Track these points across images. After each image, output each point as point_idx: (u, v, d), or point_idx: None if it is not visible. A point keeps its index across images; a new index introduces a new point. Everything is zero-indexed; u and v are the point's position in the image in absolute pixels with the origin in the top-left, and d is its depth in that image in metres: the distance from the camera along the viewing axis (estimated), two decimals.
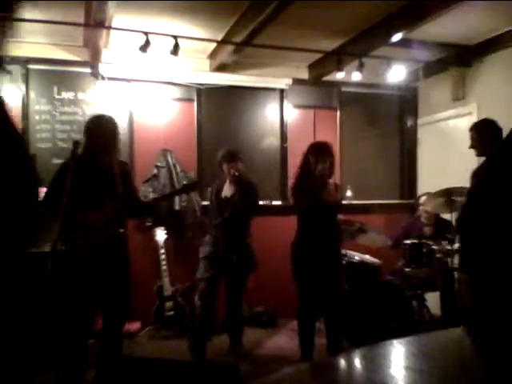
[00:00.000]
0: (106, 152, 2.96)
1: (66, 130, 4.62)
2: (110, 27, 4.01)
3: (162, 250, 4.53)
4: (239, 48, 4.43)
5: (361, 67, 4.54)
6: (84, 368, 2.90)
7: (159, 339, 4.41)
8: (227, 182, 3.91)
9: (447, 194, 3.94)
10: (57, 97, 4.62)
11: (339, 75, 4.60)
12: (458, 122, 5.11)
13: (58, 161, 4.30)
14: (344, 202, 3.99)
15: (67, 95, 4.65)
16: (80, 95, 4.69)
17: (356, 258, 4.30)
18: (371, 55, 4.54)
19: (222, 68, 4.95)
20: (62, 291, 2.73)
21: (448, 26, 4.19)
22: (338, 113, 5.60)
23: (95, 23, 3.85)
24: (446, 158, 5.23)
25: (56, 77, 4.60)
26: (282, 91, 5.38)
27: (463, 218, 1.21)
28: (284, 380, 1.14)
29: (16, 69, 4.45)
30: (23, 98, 4.51)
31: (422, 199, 4.58)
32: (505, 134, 1.52)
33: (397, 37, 4.12)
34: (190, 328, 4.05)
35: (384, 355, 1.26)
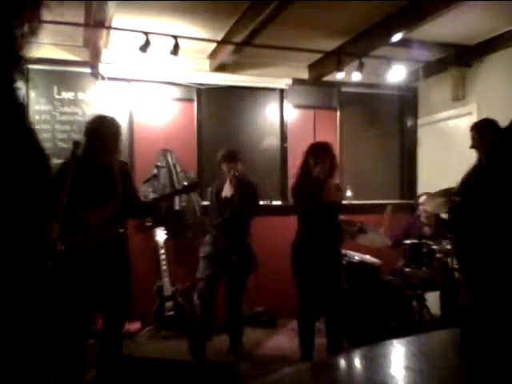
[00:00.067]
0: (108, 153, 2.96)
1: (65, 130, 4.62)
2: (110, 27, 4.01)
3: (162, 250, 4.53)
4: (239, 48, 4.43)
5: (361, 67, 4.54)
6: (84, 368, 2.90)
7: (159, 339, 4.40)
8: (227, 182, 3.91)
9: (447, 194, 3.94)
10: (57, 97, 4.62)
11: (339, 75, 4.60)
12: (458, 122, 5.11)
13: (57, 161, 4.28)
14: (344, 202, 3.98)
15: (67, 95, 4.65)
16: (80, 95, 4.69)
17: (356, 257, 4.30)
18: (371, 55, 4.54)
19: (222, 68, 4.95)
20: (61, 291, 2.73)
21: (448, 26, 4.19)
22: (338, 113, 5.60)
23: (95, 23, 3.85)
24: (445, 158, 5.23)
25: (56, 77, 4.60)
26: (281, 91, 5.38)
27: (456, 212, 1.19)
28: (284, 380, 1.14)
29: None
30: (23, 98, 4.50)
31: (422, 199, 4.58)
32: None
33: (397, 37, 4.12)
34: (190, 328, 4.05)
35: (384, 355, 1.26)
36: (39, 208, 0.74)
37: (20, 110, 0.75)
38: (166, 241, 4.59)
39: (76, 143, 2.64)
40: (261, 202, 4.18)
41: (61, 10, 3.56)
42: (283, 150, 5.39)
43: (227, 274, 3.89)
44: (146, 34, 3.89)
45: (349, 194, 5.28)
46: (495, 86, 4.63)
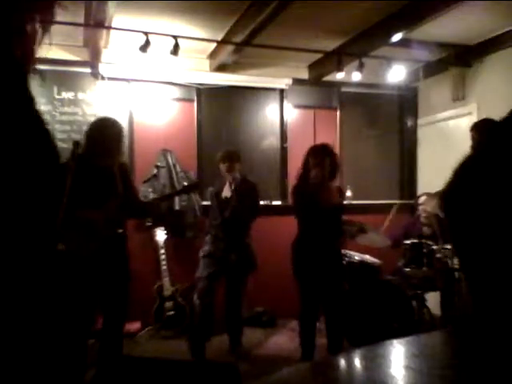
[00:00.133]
0: (110, 155, 2.97)
1: (65, 131, 4.62)
2: (110, 27, 4.01)
3: (162, 250, 4.53)
4: (239, 48, 4.44)
5: (361, 67, 4.54)
6: (84, 368, 2.90)
7: (159, 339, 4.40)
8: (227, 182, 3.92)
9: None
10: (57, 97, 4.62)
11: (339, 75, 4.60)
12: (458, 122, 5.11)
13: None
14: (344, 202, 3.98)
15: (67, 95, 4.65)
16: (80, 95, 4.69)
17: (356, 257, 4.30)
18: (371, 55, 4.54)
19: (222, 68, 4.95)
20: (61, 291, 2.73)
21: (448, 26, 4.19)
22: (338, 113, 5.60)
23: (95, 23, 3.85)
24: (446, 158, 5.22)
25: (56, 77, 4.60)
26: (281, 91, 5.38)
27: (451, 192, 1.14)
28: (284, 380, 1.14)
29: None
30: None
31: (422, 199, 4.58)
32: None
33: (397, 37, 4.12)
34: (190, 328, 4.05)
35: (384, 355, 1.26)
36: (49, 206, 0.74)
37: (34, 107, 0.75)
38: (166, 241, 4.60)
39: (76, 143, 2.65)
40: (261, 202, 4.19)
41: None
42: (283, 150, 5.39)
43: (227, 274, 3.89)
44: (146, 33, 3.89)
45: (349, 193, 5.28)
46: (495, 86, 4.63)
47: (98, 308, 3.00)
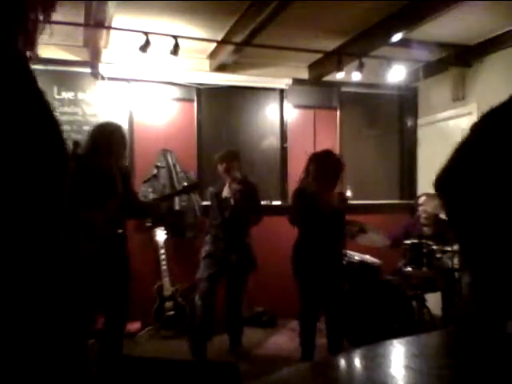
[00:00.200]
0: (114, 158, 2.99)
1: (65, 131, 4.60)
2: (110, 27, 4.01)
3: (162, 250, 4.53)
4: (239, 48, 4.44)
5: (361, 67, 4.54)
6: (86, 368, 2.89)
7: (159, 339, 4.40)
8: (227, 182, 3.92)
9: None
10: (57, 97, 4.62)
11: (339, 75, 4.60)
12: (458, 122, 5.11)
13: None
14: (346, 206, 3.97)
15: (67, 95, 4.65)
16: (80, 95, 4.69)
17: (356, 257, 4.30)
18: (371, 55, 4.54)
19: (222, 68, 4.95)
20: (61, 291, 2.73)
21: (448, 26, 4.19)
22: (338, 113, 5.60)
23: (95, 23, 3.85)
24: (445, 158, 5.22)
25: (56, 77, 4.60)
26: (281, 91, 5.38)
27: (446, 174, 1.13)
28: (284, 380, 1.14)
29: None
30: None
31: (422, 199, 4.58)
32: None
33: (397, 37, 4.12)
34: (191, 328, 4.05)
35: (384, 355, 1.26)
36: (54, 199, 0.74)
37: (40, 96, 0.74)
38: (166, 241, 4.59)
39: (76, 143, 2.65)
40: (262, 202, 4.18)
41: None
42: (283, 150, 5.39)
43: (227, 274, 3.89)
44: (146, 34, 3.89)
45: (349, 194, 5.27)
46: (495, 86, 4.63)
47: (98, 308, 3.00)
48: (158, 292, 4.53)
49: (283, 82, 5.30)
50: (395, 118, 5.92)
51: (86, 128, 4.57)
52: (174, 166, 4.82)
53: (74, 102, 4.67)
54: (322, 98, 5.56)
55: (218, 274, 3.82)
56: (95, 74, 4.69)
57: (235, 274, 3.89)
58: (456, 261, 3.96)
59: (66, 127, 4.62)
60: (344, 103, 5.62)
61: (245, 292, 4.01)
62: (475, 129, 1.10)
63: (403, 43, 4.33)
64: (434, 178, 1.20)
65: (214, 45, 4.67)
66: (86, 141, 3.01)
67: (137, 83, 4.85)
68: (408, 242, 4.17)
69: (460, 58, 4.89)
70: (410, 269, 4.09)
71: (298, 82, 5.37)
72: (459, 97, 5.04)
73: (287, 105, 5.40)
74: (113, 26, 4.00)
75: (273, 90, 5.36)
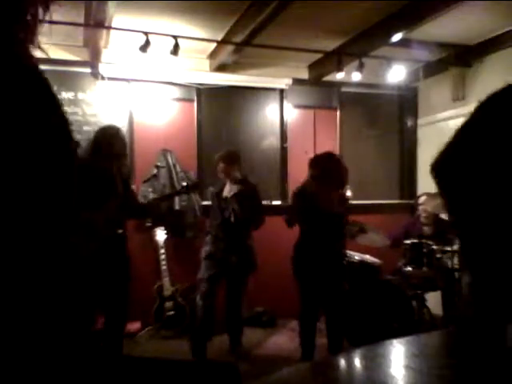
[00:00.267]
0: (112, 160, 3.02)
1: None
2: (110, 27, 4.01)
3: (162, 250, 4.53)
4: (239, 48, 4.43)
5: (361, 67, 4.54)
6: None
7: (159, 339, 4.40)
8: (228, 182, 3.92)
9: None
10: None
11: (339, 75, 4.60)
12: (458, 122, 5.06)
13: None
14: (347, 208, 3.97)
15: (67, 95, 4.64)
16: (80, 95, 4.68)
17: (356, 257, 4.30)
18: (371, 55, 4.54)
19: (222, 68, 4.95)
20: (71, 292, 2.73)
21: (448, 26, 4.19)
22: (338, 113, 5.60)
23: (95, 23, 3.85)
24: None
25: (56, 77, 4.59)
26: (281, 91, 5.38)
27: (442, 160, 1.12)
28: (284, 380, 1.14)
29: None
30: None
31: (422, 199, 4.58)
32: None
33: (397, 37, 4.12)
34: (191, 328, 4.05)
35: (384, 355, 1.26)
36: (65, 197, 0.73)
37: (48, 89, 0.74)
38: (166, 241, 4.59)
39: (76, 143, 2.66)
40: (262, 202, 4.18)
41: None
42: (283, 150, 5.39)
43: (227, 275, 3.89)
44: (146, 34, 3.89)
45: (349, 194, 5.27)
46: (495, 86, 4.58)
47: (98, 308, 3.00)
48: (158, 292, 4.53)
49: (283, 82, 5.30)
50: (395, 117, 5.92)
51: (86, 128, 4.57)
52: (174, 165, 4.82)
53: (74, 102, 4.66)
54: (322, 98, 5.56)
55: (218, 275, 3.82)
56: (95, 74, 4.69)
57: (235, 275, 3.89)
58: (456, 261, 3.96)
59: None
60: (344, 103, 5.62)
61: (245, 293, 4.01)
62: (473, 114, 1.10)
63: (403, 43, 4.33)
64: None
65: (213, 45, 4.67)
66: (88, 143, 3.04)
67: (137, 83, 4.85)
68: (408, 241, 4.17)
69: (460, 58, 4.89)
70: (410, 269, 4.09)
71: (297, 81, 5.36)
72: (459, 97, 5.04)
73: (287, 105, 5.40)
74: (113, 26, 4.00)
75: (273, 89, 5.36)
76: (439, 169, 1.08)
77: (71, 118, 4.65)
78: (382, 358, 1.23)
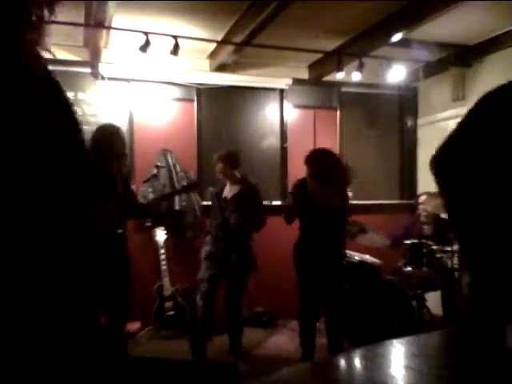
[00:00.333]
0: (111, 160, 3.01)
1: None
2: (110, 27, 4.01)
3: (162, 250, 4.53)
4: (239, 48, 4.43)
5: (361, 67, 4.54)
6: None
7: (159, 339, 4.40)
8: (228, 183, 3.93)
9: None
10: None
11: (339, 75, 4.60)
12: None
13: None
14: (346, 204, 3.97)
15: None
16: (80, 95, 4.68)
17: (356, 257, 4.30)
18: (371, 55, 4.54)
19: (222, 68, 4.95)
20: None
21: (448, 26, 4.19)
22: (338, 113, 5.60)
23: (95, 23, 3.85)
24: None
25: (56, 77, 4.59)
26: (281, 91, 5.38)
27: (442, 156, 1.11)
28: (284, 380, 1.14)
29: None
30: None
31: (422, 199, 4.58)
32: None
33: (397, 37, 4.12)
34: (191, 328, 4.05)
35: (384, 355, 1.26)
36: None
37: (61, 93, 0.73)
38: (166, 241, 4.59)
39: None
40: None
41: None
42: (283, 150, 5.39)
43: (227, 275, 3.89)
44: (146, 34, 3.89)
45: (349, 193, 5.27)
46: (495, 86, 4.62)
47: (98, 308, 2.99)
48: (158, 292, 4.53)
49: (283, 82, 5.30)
50: (395, 118, 5.92)
51: (86, 128, 4.57)
52: (174, 165, 4.82)
53: (74, 102, 4.66)
54: (322, 97, 5.56)
55: (218, 275, 3.82)
56: (95, 74, 4.69)
57: (235, 275, 3.89)
58: (456, 261, 3.96)
59: None
60: (344, 103, 5.62)
61: (245, 293, 4.00)
62: (472, 110, 1.09)
63: (403, 43, 4.33)
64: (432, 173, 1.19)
65: (213, 45, 4.67)
66: (88, 142, 3.03)
67: (137, 83, 4.85)
68: (408, 241, 4.18)
69: (460, 58, 4.89)
70: (410, 269, 4.09)
71: (297, 81, 5.36)
72: (459, 97, 5.04)
73: (287, 105, 5.40)
74: (113, 26, 4.00)
75: (273, 90, 5.36)
76: (438, 165, 1.08)
77: None
78: (382, 358, 1.23)
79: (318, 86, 5.49)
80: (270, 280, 4.74)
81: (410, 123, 5.88)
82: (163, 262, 4.51)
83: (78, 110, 4.67)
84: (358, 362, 1.27)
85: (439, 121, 5.45)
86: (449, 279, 4.06)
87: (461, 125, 1.08)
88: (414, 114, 5.84)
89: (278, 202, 5.29)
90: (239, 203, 3.82)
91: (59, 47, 4.55)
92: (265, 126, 5.38)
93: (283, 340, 4.43)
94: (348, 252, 4.31)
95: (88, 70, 4.68)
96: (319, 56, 5.03)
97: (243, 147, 4.94)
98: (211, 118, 5.16)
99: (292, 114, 5.44)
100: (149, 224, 4.67)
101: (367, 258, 4.40)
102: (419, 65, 5.25)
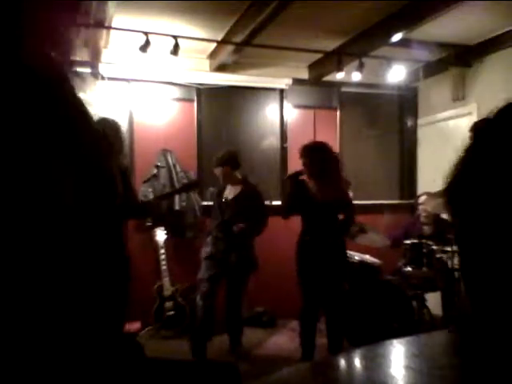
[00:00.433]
0: (111, 158, 2.99)
1: None
2: (110, 27, 4.01)
3: (162, 250, 4.53)
4: (239, 48, 4.44)
5: (361, 67, 4.54)
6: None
7: (159, 339, 4.40)
8: (228, 183, 3.93)
9: None
10: None
11: (339, 75, 4.60)
12: (458, 122, 5.11)
13: None
14: (346, 198, 3.98)
15: None
16: (80, 95, 4.67)
17: (356, 257, 4.30)
18: (371, 55, 4.54)
19: (222, 68, 4.95)
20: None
21: (448, 26, 4.19)
22: (338, 113, 5.60)
23: (95, 23, 3.84)
24: (446, 159, 5.19)
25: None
26: (281, 91, 5.38)
27: (453, 187, 1.10)
28: (284, 380, 1.14)
29: None
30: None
31: (422, 199, 4.58)
32: None
33: (397, 37, 4.12)
34: (191, 328, 4.05)
35: (384, 355, 1.26)
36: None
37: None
38: (166, 241, 4.59)
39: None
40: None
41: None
42: (283, 150, 5.39)
43: (227, 275, 3.89)
44: (146, 33, 3.89)
45: (349, 194, 5.27)
46: (495, 86, 4.63)
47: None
48: (158, 292, 4.53)
49: (283, 82, 5.30)
50: (395, 118, 5.92)
51: None
52: (174, 165, 4.83)
53: None
54: (322, 98, 5.56)
55: (218, 275, 3.82)
56: (95, 74, 4.69)
57: (235, 275, 3.89)
58: (456, 261, 3.96)
59: None
60: (344, 103, 5.62)
61: (245, 293, 4.00)
62: (478, 135, 1.08)
63: (403, 43, 4.33)
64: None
65: (213, 45, 4.67)
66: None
67: (137, 83, 4.85)
68: (408, 241, 4.17)
69: (460, 58, 4.89)
70: (409, 269, 4.09)
71: (297, 82, 5.37)
72: (459, 97, 5.04)
73: (287, 105, 5.40)
74: (113, 26, 4.00)
75: (273, 90, 5.36)
76: (451, 196, 1.07)
77: None
78: (382, 358, 1.23)
79: (317, 86, 5.49)
80: (270, 280, 4.74)
81: (410, 123, 5.88)
82: (163, 262, 4.51)
83: None
84: (357, 362, 1.27)
85: (439, 121, 5.46)
86: (449, 279, 4.06)
87: (470, 150, 1.07)
88: (414, 114, 5.84)
89: (279, 202, 5.28)
90: (240, 204, 3.82)
91: None
92: (265, 126, 5.38)
93: (283, 340, 4.43)
94: (348, 252, 4.31)
95: (88, 70, 4.67)
96: (319, 56, 5.03)
97: (243, 147, 4.94)
98: (211, 118, 5.16)
99: (292, 113, 5.44)
100: (149, 224, 4.67)
101: (367, 258, 4.40)
102: (419, 65, 5.25)
